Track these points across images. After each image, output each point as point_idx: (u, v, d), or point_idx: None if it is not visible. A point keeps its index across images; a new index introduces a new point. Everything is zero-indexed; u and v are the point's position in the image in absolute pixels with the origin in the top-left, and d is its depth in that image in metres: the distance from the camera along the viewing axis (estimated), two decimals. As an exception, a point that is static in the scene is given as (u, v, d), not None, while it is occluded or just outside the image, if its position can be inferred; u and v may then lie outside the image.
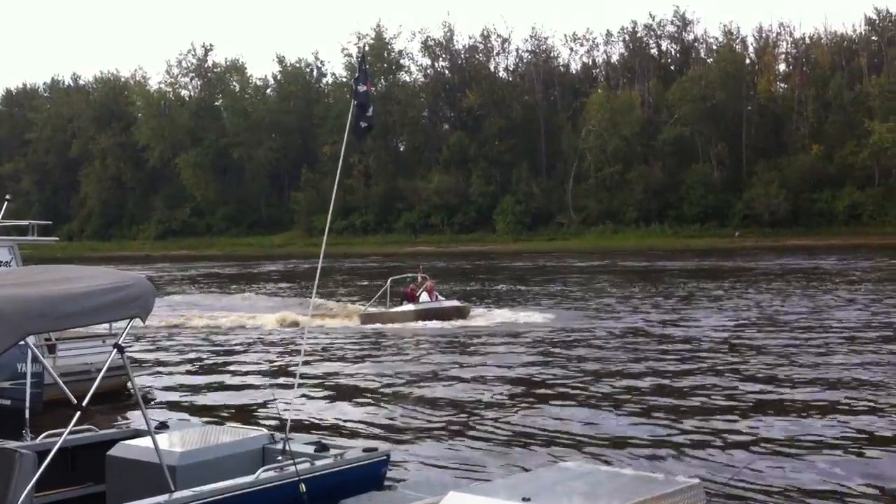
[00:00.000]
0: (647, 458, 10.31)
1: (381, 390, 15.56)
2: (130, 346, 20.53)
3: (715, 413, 12.69)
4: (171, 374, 18.08)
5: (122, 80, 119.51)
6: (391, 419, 13.06)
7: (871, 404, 13.01)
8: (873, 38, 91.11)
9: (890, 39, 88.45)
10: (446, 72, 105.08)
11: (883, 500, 8.80)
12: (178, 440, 7.10)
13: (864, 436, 11.22)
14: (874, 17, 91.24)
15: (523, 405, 13.71)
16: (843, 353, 18.00)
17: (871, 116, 79.66)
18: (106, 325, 13.74)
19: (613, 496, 4.84)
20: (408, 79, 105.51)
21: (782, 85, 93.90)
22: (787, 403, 13.26)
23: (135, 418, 11.63)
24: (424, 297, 27.72)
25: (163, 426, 7.73)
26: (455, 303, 27.65)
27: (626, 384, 15.18)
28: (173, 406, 14.50)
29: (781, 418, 12.27)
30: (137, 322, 6.13)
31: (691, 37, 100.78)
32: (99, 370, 6.26)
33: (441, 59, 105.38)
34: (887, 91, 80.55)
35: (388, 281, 28.54)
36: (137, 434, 7.49)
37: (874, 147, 77.65)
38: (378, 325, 25.78)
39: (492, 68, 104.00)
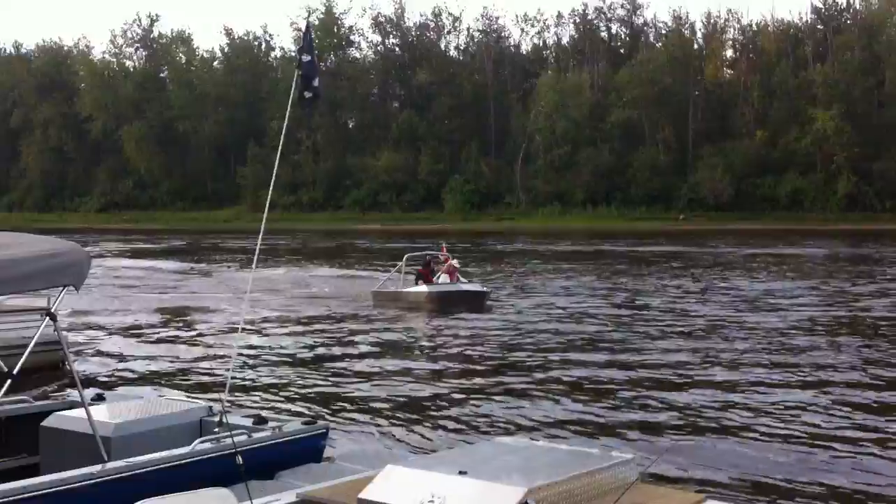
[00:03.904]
0: (583, 435, 10.44)
1: (325, 364, 15.54)
2: (71, 318, 20.20)
3: (651, 392, 12.87)
4: (109, 345, 17.84)
5: (66, 49, 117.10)
6: (332, 393, 13.05)
7: (805, 381, 13.31)
8: (819, 26, 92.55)
9: (835, 28, 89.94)
10: (397, 49, 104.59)
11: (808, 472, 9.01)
12: (113, 412, 7.01)
13: (796, 411, 11.47)
14: (820, 5, 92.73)
15: (463, 383, 13.78)
16: (786, 332, 18.37)
17: (815, 104, 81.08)
18: (43, 301, 13.49)
19: (549, 470, 4.87)
20: (358, 55, 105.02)
21: (729, 71, 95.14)
22: (720, 382, 13.48)
23: (72, 392, 11.45)
24: (444, 278, 24.33)
25: (99, 398, 7.62)
26: (474, 287, 24.29)
27: (565, 365, 15.31)
28: (112, 378, 14.31)
29: (715, 395, 12.48)
30: (72, 291, 6.01)
31: (641, 21, 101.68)
32: (35, 343, 6.14)
33: (392, 36, 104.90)
34: (831, 79, 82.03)
35: (405, 258, 25.53)
36: (73, 406, 7.38)
37: (817, 134, 79.11)
38: (389, 306, 23.40)
39: (442, 47, 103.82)
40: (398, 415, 11.63)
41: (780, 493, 8.46)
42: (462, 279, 24.85)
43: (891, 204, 77.06)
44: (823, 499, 8.33)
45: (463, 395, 12.72)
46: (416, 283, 24.34)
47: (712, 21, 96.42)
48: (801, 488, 8.57)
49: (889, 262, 37.72)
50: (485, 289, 24.48)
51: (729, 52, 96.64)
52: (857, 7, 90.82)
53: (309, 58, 7.98)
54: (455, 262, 24.92)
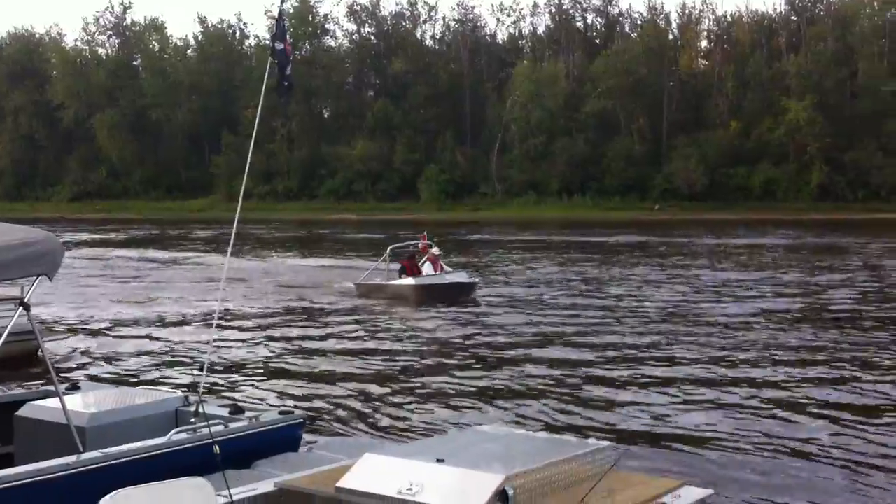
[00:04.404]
0: (561, 424, 10.50)
1: (302, 354, 15.52)
2: (45, 307, 20.02)
3: (627, 380, 12.96)
4: (85, 335, 17.73)
5: (37, 36, 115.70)
6: (310, 383, 13.03)
7: (775, 367, 13.44)
8: (793, 17, 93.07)
9: (809, 19, 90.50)
10: (372, 38, 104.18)
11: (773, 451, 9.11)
12: (89, 401, 6.98)
13: (765, 396, 11.59)
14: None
15: (441, 372, 13.81)
16: (758, 322, 18.54)
17: (788, 95, 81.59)
18: (17, 290, 13.38)
19: (526, 457, 4.90)
20: (333, 44, 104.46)
21: (703, 62, 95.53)
22: (704, 372, 13.59)
23: (48, 382, 11.38)
24: (428, 268, 23.82)
25: (74, 388, 7.59)
26: (462, 277, 23.66)
27: (543, 352, 15.38)
28: (87, 368, 14.22)
29: (686, 384, 12.58)
30: (45, 281, 5.95)
31: (616, 11, 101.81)
32: (9, 334, 6.08)
33: (367, 24, 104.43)
34: (804, 70, 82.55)
35: (388, 249, 25.05)
36: (47, 395, 7.33)
37: (790, 125, 79.62)
38: (373, 298, 23.04)
39: (418, 36, 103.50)
40: (376, 405, 11.64)
41: (756, 479, 8.55)
42: (447, 268, 24.38)
43: (863, 194, 77.76)
44: (798, 487, 8.43)
45: (441, 386, 12.74)
46: (401, 276, 23.69)
47: (687, 12, 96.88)
48: (776, 473, 8.66)
49: (853, 251, 38.14)
50: (473, 279, 23.99)
51: (703, 43, 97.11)
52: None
53: (282, 46, 7.93)
54: (436, 251, 24.32)
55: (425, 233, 26.32)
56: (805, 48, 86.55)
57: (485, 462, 4.79)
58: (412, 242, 26.77)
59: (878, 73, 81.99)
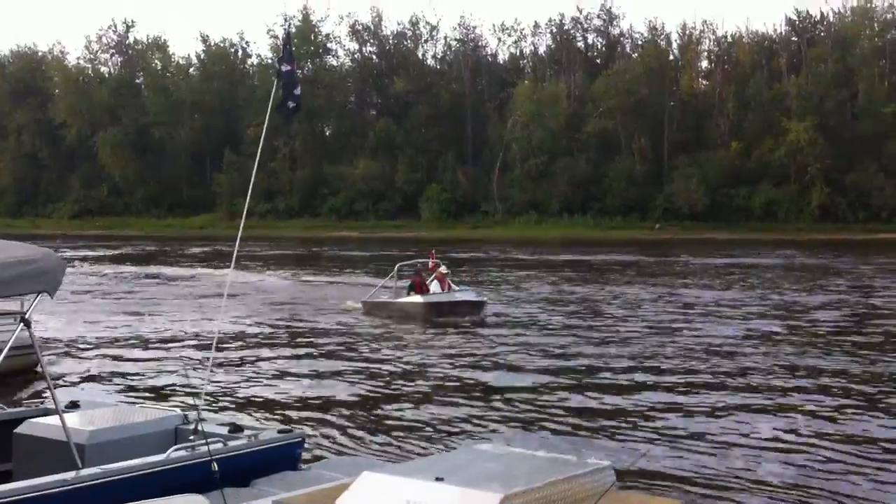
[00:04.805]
0: (560, 443, 10.48)
1: (302, 372, 15.49)
2: (45, 323, 20.02)
3: (628, 400, 12.94)
4: (85, 353, 17.71)
5: (40, 54, 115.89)
6: (308, 401, 13.01)
7: (771, 392, 13.42)
8: (793, 38, 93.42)
9: (809, 41, 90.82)
10: (374, 57, 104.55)
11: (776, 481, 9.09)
12: (88, 419, 6.97)
13: (756, 417, 11.58)
14: (794, 17, 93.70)
15: (440, 391, 13.79)
16: (756, 343, 18.52)
17: (789, 115, 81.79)
18: (17, 304, 13.39)
19: (525, 476, 4.89)
20: (335, 63, 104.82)
21: (704, 82, 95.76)
22: (695, 391, 13.58)
23: (47, 398, 11.37)
24: (435, 286, 23.80)
25: (73, 405, 7.58)
26: (471, 296, 23.77)
27: (542, 373, 15.36)
28: (86, 385, 14.20)
29: (689, 404, 12.56)
30: (46, 298, 5.97)
31: (617, 31, 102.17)
32: (10, 348, 6.09)
33: (369, 44, 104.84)
34: (805, 91, 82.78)
35: (396, 267, 25.24)
36: (47, 412, 7.32)
37: (791, 146, 79.77)
38: (382, 317, 22.95)
39: (420, 55, 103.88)
40: (376, 424, 11.62)
41: (754, 496, 8.53)
42: (454, 287, 24.33)
43: (863, 215, 77.83)
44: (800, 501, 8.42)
45: (441, 405, 12.72)
46: (409, 294, 23.71)
47: (688, 32, 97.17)
48: (774, 491, 8.64)
49: (844, 273, 38.15)
50: (481, 298, 23.96)
51: (704, 63, 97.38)
52: (831, 19, 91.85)
53: (289, 67, 7.99)
54: (443, 269, 24.27)
55: (433, 251, 26.24)
56: (806, 69, 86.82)
57: (484, 481, 4.78)
58: (420, 260, 26.77)
59: (878, 94, 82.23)
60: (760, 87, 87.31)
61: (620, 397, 13.11)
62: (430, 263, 25.00)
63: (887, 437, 10.85)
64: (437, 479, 4.77)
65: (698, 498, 8.22)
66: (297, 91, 8.01)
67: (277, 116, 8.10)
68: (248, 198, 8.04)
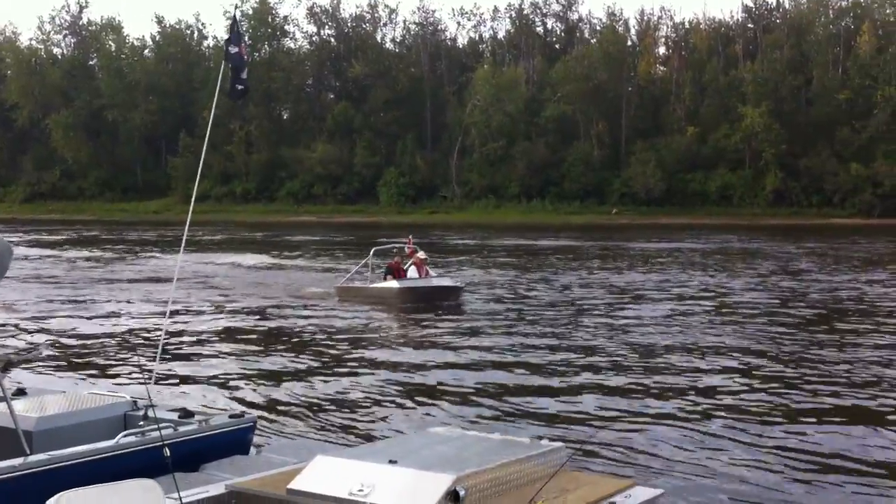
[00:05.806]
0: (514, 425, 10.52)
1: (255, 356, 15.38)
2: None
3: (581, 383, 13.02)
4: (33, 338, 17.42)
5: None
6: (262, 386, 12.92)
7: (733, 370, 13.60)
8: (749, 25, 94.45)
9: (765, 27, 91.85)
10: (332, 40, 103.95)
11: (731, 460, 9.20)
12: (36, 405, 6.86)
13: (717, 398, 11.71)
14: (751, 4, 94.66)
15: (393, 374, 13.77)
16: (714, 321, 18.72)
17: (745, 101, 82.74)
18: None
19: (478, 458, 4.90)
20: (293, 46, 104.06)
21: (661, 68, 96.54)
22: (649, 370, 13.69)
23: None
24: (413, 272, 23.36)
25: (21, 392, 7.46)
26: (446, 281, 23.67)
27: (496, 355, 15.40)
28: (33, 371, 13.99)
29: (631, 384, 12.68)
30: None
31: (576, 17, 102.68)
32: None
33: (327, 27, 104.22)
34: (760, 77, 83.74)
35: (371, 251, 24.77)
36: (-7, 399, 7.19)
37: (746, 131, 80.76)
38: (356, 302, 22.44)
39: (378, 39, 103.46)
40: (330, 408, 11.57)
41: (706, 477, 8.63)
42: (432, 273, 24.02)
43: (817, 199, 79.03)
44: (749, 480, 8.52)
45: (396, 389, 12.70)
46: (385, 278, 23.39)
47: (646, 18, 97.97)
48: (725, 474, 8.74)
49: (771, 255, 38.97)
50: (457, 283, 23.70)
51: (662, 50, 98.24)
52: (787, 7, 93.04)
53: (236, 49, 7.88)
54: (421, 255, 23.85)
55: (411, 236, 26.01)
56: (761, 56, 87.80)
57: (437, 463, 4.78)
58: (396, 244, 26.43)
59: (832, 80, 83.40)
60: (717, 74, 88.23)
61: (577, 381, 13.18)
62: (406, 249, 24.53)
63: (802, 408, 11.03)
64: (391, 462, 4.77)
65: (651, 476, 8.30)
66: (244, 75, 7.90)
67: (229, 99, 8.00)
68: (197, 180, 7.92)
